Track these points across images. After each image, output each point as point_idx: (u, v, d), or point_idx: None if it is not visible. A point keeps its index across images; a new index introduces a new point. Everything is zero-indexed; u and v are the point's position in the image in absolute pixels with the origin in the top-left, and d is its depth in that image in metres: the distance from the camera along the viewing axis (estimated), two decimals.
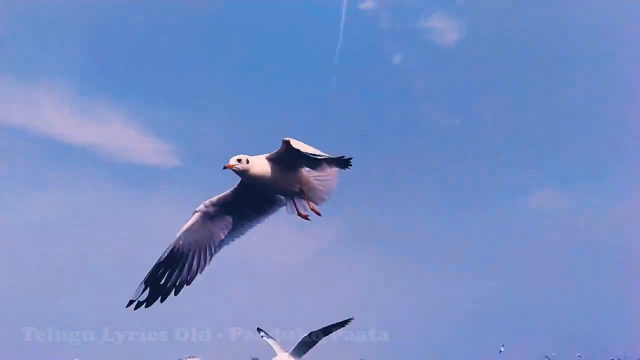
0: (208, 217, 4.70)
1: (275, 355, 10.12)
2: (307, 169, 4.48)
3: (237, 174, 4.20)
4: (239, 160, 4.09)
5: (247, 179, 4.18)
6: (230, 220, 4.76)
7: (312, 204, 4.56)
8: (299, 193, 4.46)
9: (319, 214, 4.59)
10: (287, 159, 4.21)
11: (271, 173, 4.20)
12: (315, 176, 4.51)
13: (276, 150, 4.21)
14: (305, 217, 4.64)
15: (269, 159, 4.24)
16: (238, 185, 4.51)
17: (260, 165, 4.17)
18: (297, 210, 4.61)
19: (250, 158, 4.14)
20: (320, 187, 4.57)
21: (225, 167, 4.10)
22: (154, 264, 4.70)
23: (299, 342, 9.62)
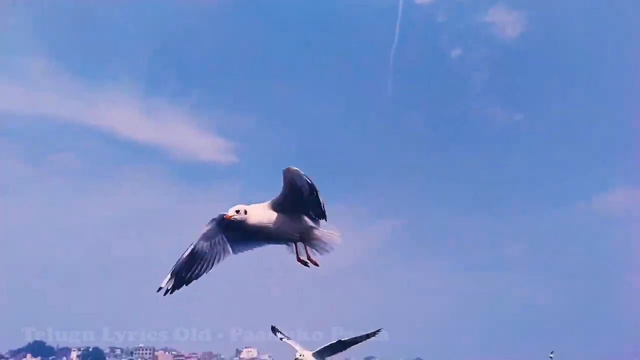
0: (223, 227, 4.82)
1: (297, 351, 10.20)
2: (310, 222, 4.52)
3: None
4: (237, 212, 4.27)
5: (247, 227, 4.31)
6: (241, 237, 4.86)
7: (310, 254, 4.61)
8: (300, 241, 4.57)
9: (317, 265, 4.63)
10: (288, 203, 4.35)
11: (271, 221, 4.32)
12: (319, 228, 4.56)
13: (280, 193, 4.37)
14: (305, 264, 4.65)
15: (271, 206, 4.36)
16: None
17: (257, 215, 4.31)
18: (297, 255, 4.63)
19: (248, 208, 4.31)
20: (323, 239, 4.60)
21: (223, 217, 4.32)
22: (180, 260, 5.01)
23: (325, 346, 9.68)
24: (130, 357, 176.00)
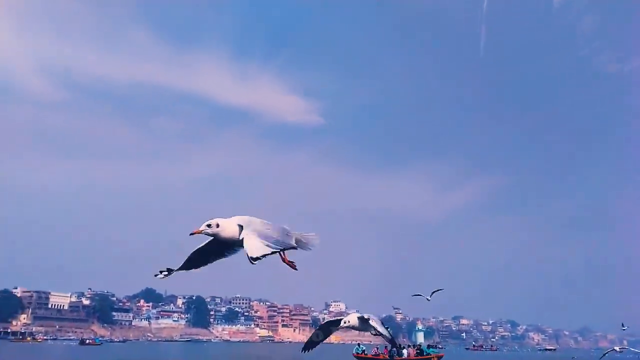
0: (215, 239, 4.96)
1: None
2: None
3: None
4: (209, 226, 4.38)
5: (219, 239, 4.47)
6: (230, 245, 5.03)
7: (287, 258, 4.85)
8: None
9: (295, 269, 4.86)
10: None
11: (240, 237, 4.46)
12: (296, 234, 4.82)
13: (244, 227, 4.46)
14: (291, 265, 4.89)
15: (240, 226, 4.46)
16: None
17: (228, 231, 4.43)
18: (282, 257, 4.85)
19: (221, 222, 4.42)
20: (303, 240, 4.84)
21: (192, 233, 4.38)
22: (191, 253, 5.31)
23: (373, 319, 9.62)
24: (228, 306, 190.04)
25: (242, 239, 4.38)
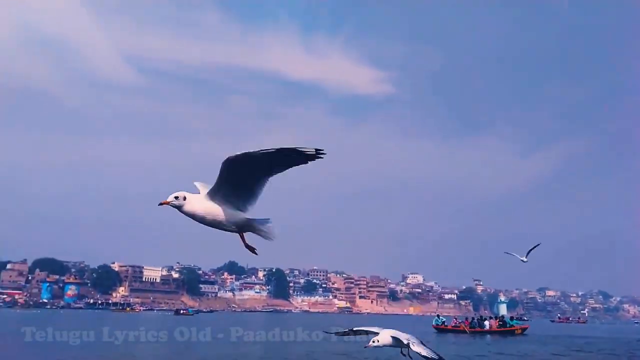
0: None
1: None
2: (243, 215, 4.40)
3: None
4: (176, 198, 4.22)
5: (184, 213, 4.29)
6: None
7: (247, 243, 4.53)
8: (238, 232, 4.50)
9: (255, 253, 4.57)
10: (222, 195, 4.24)
11: (208, 212, 4.26)
12: (255, 221, 4.45)
13: (215, 183, 4.21)
14: (252, 250, 4.59)
15: (208, 197, 4.27)
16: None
17: (193, 204, 4.24)
18: (243, 241, 4.57)
19: (188, 196, 4.24)
20: (262, 229, 4.49)
21: (160, 204, 4.24)
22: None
23: (413, 343, 8.56)
24: (306, 278, 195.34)
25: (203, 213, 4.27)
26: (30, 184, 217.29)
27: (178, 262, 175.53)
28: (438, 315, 51.08)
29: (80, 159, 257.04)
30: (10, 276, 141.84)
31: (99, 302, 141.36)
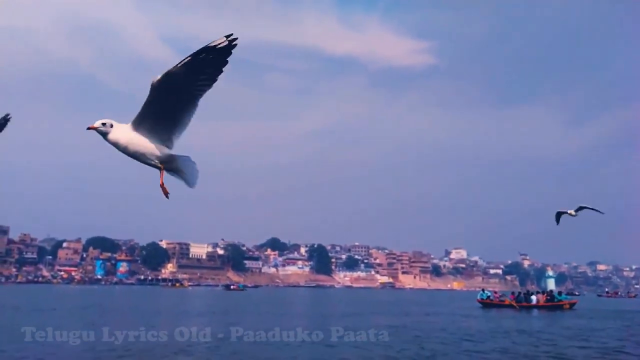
0: None
1: None
2: (166, 150, 4.20)
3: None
4: (104, 124, 4.08)
5: (109, 142, 4.15)
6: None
7: (163, 181, 4.30)
8: (160, 168, 4.30)
9: (166, 195, 4.34)
10: (147, 124, 4.05)
11: (131, 142, 4.10)
12: (177, 157, 4.28)
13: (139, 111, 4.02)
14: (165, 192, 4.36)
15: (134, 125, 4.10)
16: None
17: (117, 134, 4.08)
18: (161, 179, 4.35)
19: (115, 124, 4.09)
20: (183, 170, 4.32)
21: (88, 128, 4.09)
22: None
23: None
24: (348, 253, 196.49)
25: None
26: (82, 167, 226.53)
27: (222, 239, 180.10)
28: (483, 290, 50.21)
29: None
30: (67, 254, 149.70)
31: (149, 278, 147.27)
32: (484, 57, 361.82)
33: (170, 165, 4.29)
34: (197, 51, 3.65)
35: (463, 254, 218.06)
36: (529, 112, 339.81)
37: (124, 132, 4.09)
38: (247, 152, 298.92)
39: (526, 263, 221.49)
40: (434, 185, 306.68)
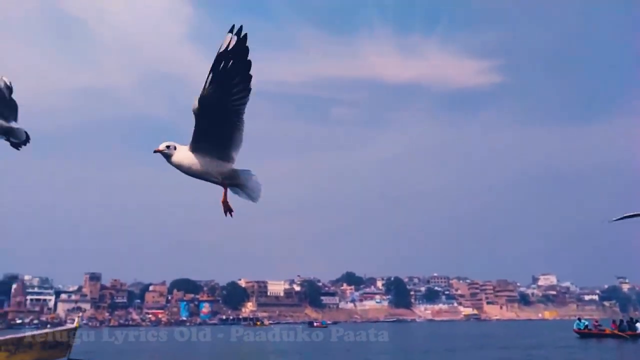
0: None
1: None
2: (228, 165, 4.39)
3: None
4: (168, 147, 4.32)
5: (172, 164, 4.38)
6: None
7: (227, 199, 4.51)
8: (224, 185, 4.49)
9: (230, 213, 4.53)
10: (202, 143, 4.24)
11: (193, 162, 4.31)
12: (241, 173, 4.48)
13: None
14: (229, 209, 4.53)
15: (192, 147, 4.31)
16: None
17: (180, 155, 4.31)
18: (224, 197, 4.55)
19: (178, 147, 4.33)
20: (248, 186, 4.49)
21: (155, 151, 4.33)
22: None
23: None
24: (427, 285, 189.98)
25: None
26: (160, 213, 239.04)
27: (298, 275, 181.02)
28: (579, 319, 46.25)
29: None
30: (153, 297, 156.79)
31: (231, 317, 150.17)
32: (553, 70, 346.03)
33: (233, 180, 4.48)
34: (214, 63, 3.73)
35: (552, 279, 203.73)
36: (609, 125, 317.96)
37: (186, 153, 4.34)
38: (317, 186, 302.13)
39: (625, 287, 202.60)
40: (514, 207, 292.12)
